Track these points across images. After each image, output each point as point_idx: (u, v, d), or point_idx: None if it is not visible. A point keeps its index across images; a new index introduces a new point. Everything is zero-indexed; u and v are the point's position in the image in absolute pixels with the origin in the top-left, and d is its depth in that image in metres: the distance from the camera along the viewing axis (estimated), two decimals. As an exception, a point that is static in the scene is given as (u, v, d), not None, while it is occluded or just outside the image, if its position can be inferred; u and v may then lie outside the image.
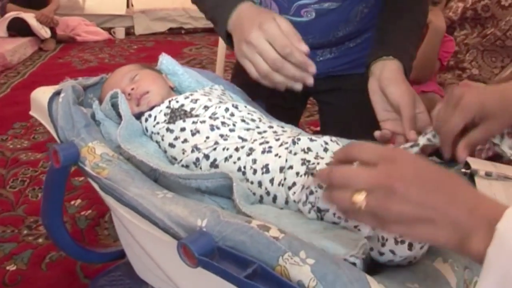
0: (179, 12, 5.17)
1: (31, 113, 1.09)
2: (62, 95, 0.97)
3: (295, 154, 0.77)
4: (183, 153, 0.86)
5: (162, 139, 0.90)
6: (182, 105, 0.93)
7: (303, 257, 0.57)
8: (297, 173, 0.74)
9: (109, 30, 4.79)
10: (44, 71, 3.41)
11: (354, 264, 0.60)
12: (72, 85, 1.00)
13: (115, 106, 0.96)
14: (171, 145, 0.88)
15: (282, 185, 0.75)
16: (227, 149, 0.82)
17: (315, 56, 1.18)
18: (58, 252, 1.37)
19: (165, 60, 1.13)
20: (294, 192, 0.69)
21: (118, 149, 0.89)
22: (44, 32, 4.03)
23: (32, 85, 2.92)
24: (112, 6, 4.91)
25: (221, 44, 2.58)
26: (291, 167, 0.75)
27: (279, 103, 1.09)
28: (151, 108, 0.96)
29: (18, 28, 3.91)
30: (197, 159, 0.83)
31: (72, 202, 1.64)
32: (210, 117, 0.89)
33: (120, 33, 4.77)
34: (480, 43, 3.01)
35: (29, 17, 3.96)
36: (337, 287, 0.54)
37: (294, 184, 0.73)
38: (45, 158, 1.97)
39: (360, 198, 0.50)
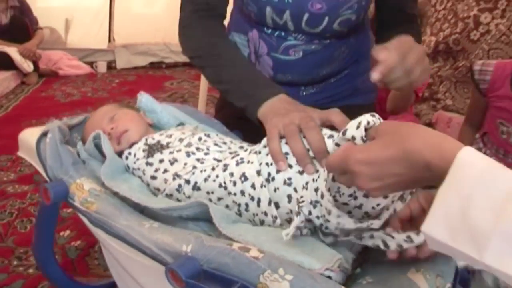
0: (160, 47, 5.24)
1: (19, 154, 1.14)
2: (49, 135, 1.02)
3: (261, 153, 0.83)
4: (165, 183, 0.91)
5: (144, 173, 0.96)
6: (159, 141, 1.00)
7: (282, 273, 0.63)
8: (267, 164, 0.81)
9: (91, 64, 4.84)
10: (28, 104, 3.44)
11: (329, 277, 0.66)
12: (58, 126, 1.06)
13: (98, 146, 1.02)
14: (153, 177, 0.94)
15: (264, 186, 0.81)
16: (205, 170, 0.89)
17: (299, 91, 1.25)
18: (49, 281, 1.40)
19: (144, 98, 1.21)
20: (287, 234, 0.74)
21: (104, 185, 0.94)
22: (27, 66, 4.07)
23: (16, 119, 2.98)
24: (94, 40, 4.95)
25: (203, 79, 2.65)
26: (266, 164, 0.81)
27: (260, 134, 1.15)
28: (131, 146, 1.02)
29: (1, 62, 3.93)
30: (179, 185, 0.89)
31: (62, 233, 1.66)
32: (185, 146, 0.96)
33: (102, 67, 4.82)
34: (452, 75, 3.15)
35: (12, 51, 3.99)
36: (315, 300, 0.60)
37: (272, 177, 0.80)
38: (33, 190, 2.00)
39: None
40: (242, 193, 0.82)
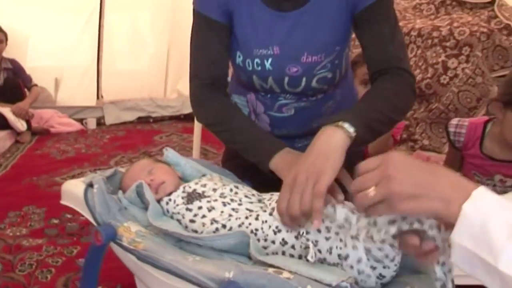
0: (146, 102, 5.46)
1: (62, 202, 1.30)
2: (96, 186, 1.19)
3: None
4: (203, 226, 1.08)
5: (183, 217, 1.12)
6: (195, 190, 1.17)
7: (309, 290, 0.80)
8: None
9: (80, 121, 5.00)
10: (25, 163, 3.57)
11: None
12: (102, 178, 1.23)
13: (138, 194, 1.19)
14: (192, 221, 1.10)
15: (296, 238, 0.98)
16: (239, 218, 1.06)
17: (295, 143, 1.43)
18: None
19: (170, 154, 1.39)
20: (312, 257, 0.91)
21: (145, 227, 1.11)
22: (20, 125, 4.21)
23: (16, 177, 3.12)
24: (83, 98, 5.14)
25: (197, 132, 2.83)
26: None
27: (262, 182, 1.32)
28: (169, 194, 1.20)
29: (-4, 123, 4.08)
30: (216, 228, 1.06)
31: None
32: (220, 196, 1.13)
33: (91, 124, 4.99)
34: (427, 116, 3.38)
35: (6, 111, 4.15)
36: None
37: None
38: (47, 243, 2.13)
39: (371, 191, 0.72)
40: (273, 242, 1.00)
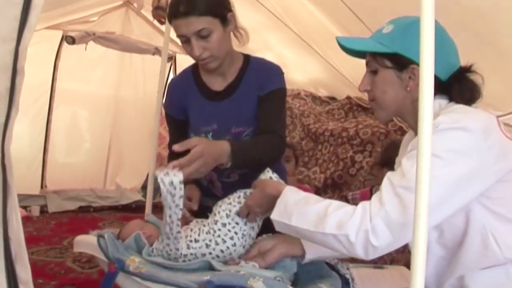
0: (87, 192, 5.85)
1: (75, 250, 1.79)
2: (106, 235, 1.69)
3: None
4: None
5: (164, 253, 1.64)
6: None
7: (257, 279, 1.35)
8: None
9: (24, 208, 5.29)
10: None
11: (279, 280, 1.40)
12: (109, 232, 1.74)
13: (135, 241, 1.70)
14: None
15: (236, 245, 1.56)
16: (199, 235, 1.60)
17: None
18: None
19: (151, 218, 1.91)
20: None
21: (145, 259, 1.61)
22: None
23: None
24: (28, 186, 5.41)
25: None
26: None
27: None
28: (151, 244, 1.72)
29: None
30: (190, 241, 1.58)
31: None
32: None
33: (35, 211, 5.30)
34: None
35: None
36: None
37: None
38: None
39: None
40: (221, 251, 1.55)
